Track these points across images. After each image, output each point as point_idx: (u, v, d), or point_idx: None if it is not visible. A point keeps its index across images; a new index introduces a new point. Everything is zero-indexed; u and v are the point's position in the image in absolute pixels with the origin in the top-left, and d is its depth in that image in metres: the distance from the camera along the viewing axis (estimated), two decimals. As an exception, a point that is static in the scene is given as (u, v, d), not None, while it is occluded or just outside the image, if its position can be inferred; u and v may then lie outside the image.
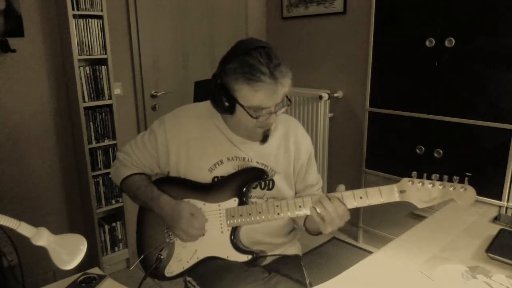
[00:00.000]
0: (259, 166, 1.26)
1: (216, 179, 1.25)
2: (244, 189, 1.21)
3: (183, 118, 1.29)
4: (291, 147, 1.29)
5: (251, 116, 1.11)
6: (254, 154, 1.26)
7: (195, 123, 1.27)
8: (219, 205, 1.21)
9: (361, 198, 1.09)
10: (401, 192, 1.07)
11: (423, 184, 1.06)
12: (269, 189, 1.27)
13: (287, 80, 1.09)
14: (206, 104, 1.25)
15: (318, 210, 1.09)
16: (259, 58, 1.06)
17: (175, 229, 1.21)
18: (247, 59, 1.07)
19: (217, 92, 1.14)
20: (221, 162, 1.25)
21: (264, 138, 1.21)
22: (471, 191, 1.05)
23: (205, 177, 1.25)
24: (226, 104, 1.13)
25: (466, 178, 1.06)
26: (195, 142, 1.25)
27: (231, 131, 1.24)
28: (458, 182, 1.06)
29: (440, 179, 1.06)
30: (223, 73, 1.11)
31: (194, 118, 1.28)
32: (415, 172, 1.08)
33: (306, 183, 1.34)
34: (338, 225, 1.10)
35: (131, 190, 1.30)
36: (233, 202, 1.21)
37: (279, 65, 1.07)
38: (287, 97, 1.16)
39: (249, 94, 1.08)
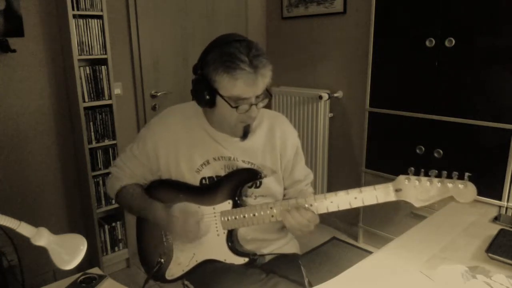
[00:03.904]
0: (246, 164, 1.25)
1: (204, 180, 1.25)
2: (238, 191, 1.21)
3: (169, 120, 1.29)
4: (277, 142, 1.28)
5: (231, 106, 1.10)
6: (240, 153, 1.25)
7: (181, 124, 1.27)
8: (213, 208, 1.21)
9: (355, 198, 1.07)
10: (397, 191, 1.03)
11: (420, 181, 1.01)
12: (256, 187, 1.27)
13: (267, 71, 1.09)
14: (191, 105, 1.25)
15: (288, 219, 1.11)
16: (239, 48, 1.07)
17: (173, 235, 1.22)
18: (226, 48, 1.08)
19: (197, 85, 1.14)
20: (208, 162, 1.25)
21: (245, 134, 1.21)
22: (471, 188, 0.99)
23: (194, 178, 1.25)
24: (207, 96, 1.12)
25: (467, 174, 1.00)
26: (182, 144, 1.25)
27: (215, 130, 1.24)
28: (458, 179, 1.00)
29: (439, 176, 1.01)
30: (204, 64, 1.12)
31: (180, 119, 1.28)
32: (412, 168, 1.03)
33: (293, 178, 1.33)
34: (306, 230, 1.14)
35: (125, 202, 1.30)
36: (227, 204, 1.20)
37: (259, 55, 1.07)
38: (268, 91, 1.15)
39: (229, 84, 1.08)
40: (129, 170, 1.31)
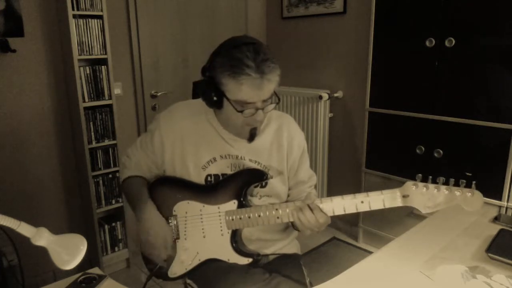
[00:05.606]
0: (252, 163, 1.26)
1: (209, 177, 1.25)
2: (243, 192, 1.21)
3: (176, 115, 1.29)
4: (284, 143, 1.29)
5: (236, 109, 1.11)
6: (247, 152, 1.25)
7: (189, 119, 1.27)
8: (218, 208, 1.21)
9: (362, 202, 1.08)
10: (404, 196, 1.04)
11: (427, 188, 1.02)
12: (262, 186, 1.27)
13: (274, 76, 1.09)
14: (200, 101, 1.25)
15: (301, 218, 1.11)
16: (246, 52, 1.06)
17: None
18: (234, 53, 1.07)
19: (206, 86, 1.15)
20: (214, 159, 1.25)
21: (251, 137, 1.21)
22: (478, 196, 1.00)
23: (199, 175, 1.25)
24: (214, 98, 1.13)
25: (474, 183, 1.01)
26: (189, 139, 1.26)
27: (223, 128, 1.25)
28: (465, 187, 1.01)
29: (446, 183, 1.02)
30: (212, 67, 1.13)
31: (188, 114, 1.28)
32: (419, 175, 1.05)
33: (297, 179, 1.33)
34: (317, 231, 1.14)
35: (126, 192, 1.33)
36: (233, 204, 1.20)
37: (267, 60, 1.07)
38: (276, 95, 1.16)
39: (234, 88, 1.08)
40: (135, 160, 1.33)
